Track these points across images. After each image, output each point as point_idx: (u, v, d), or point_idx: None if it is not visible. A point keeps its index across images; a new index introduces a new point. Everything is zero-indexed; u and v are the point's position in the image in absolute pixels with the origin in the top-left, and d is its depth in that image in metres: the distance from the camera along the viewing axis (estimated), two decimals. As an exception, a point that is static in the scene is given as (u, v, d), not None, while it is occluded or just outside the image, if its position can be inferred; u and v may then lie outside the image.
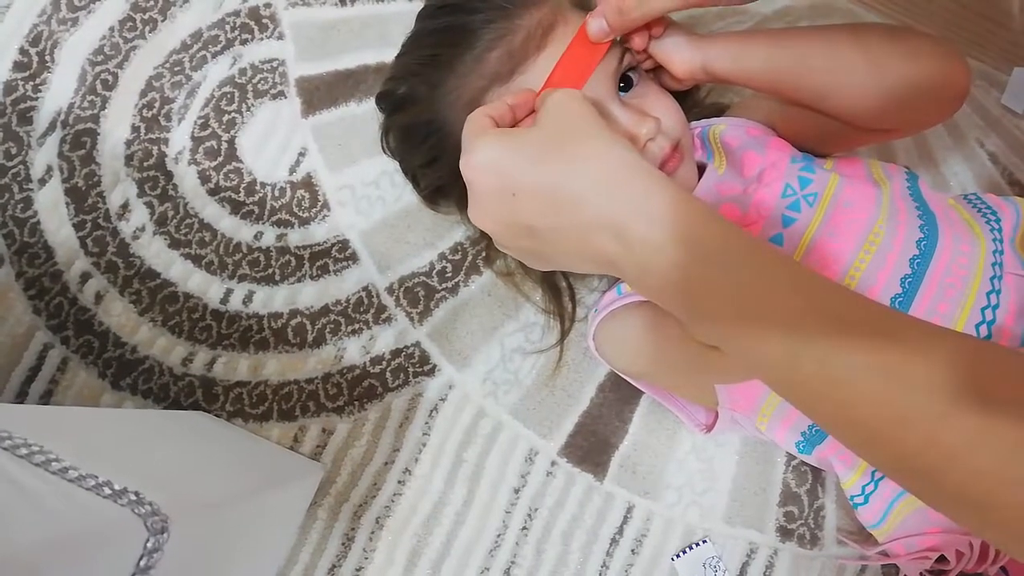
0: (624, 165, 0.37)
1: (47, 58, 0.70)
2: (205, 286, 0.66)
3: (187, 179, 0.68)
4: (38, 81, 0.69)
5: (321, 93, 0.69)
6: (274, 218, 0.67)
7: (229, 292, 0.66)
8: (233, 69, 0.70)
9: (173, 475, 0.44)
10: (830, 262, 0.48)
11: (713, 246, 0.34)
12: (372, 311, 0.65)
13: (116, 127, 0.69)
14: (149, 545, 0.33)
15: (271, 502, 0.54)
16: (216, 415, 0.64)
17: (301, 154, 0.68)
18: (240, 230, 0.67)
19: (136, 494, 0.35)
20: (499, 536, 0.61)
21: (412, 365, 0.64)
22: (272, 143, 0.68)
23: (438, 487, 0.62)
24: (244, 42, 0.70)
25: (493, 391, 0.63)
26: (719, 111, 0.61)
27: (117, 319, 0.65)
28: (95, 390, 0.64)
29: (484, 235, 0.55)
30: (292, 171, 0.68)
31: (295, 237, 0.67)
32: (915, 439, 0.29)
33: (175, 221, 0.67)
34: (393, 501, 0.62)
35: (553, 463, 0.62)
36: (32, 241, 0.67)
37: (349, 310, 0.65)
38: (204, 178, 0.68)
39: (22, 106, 0.69)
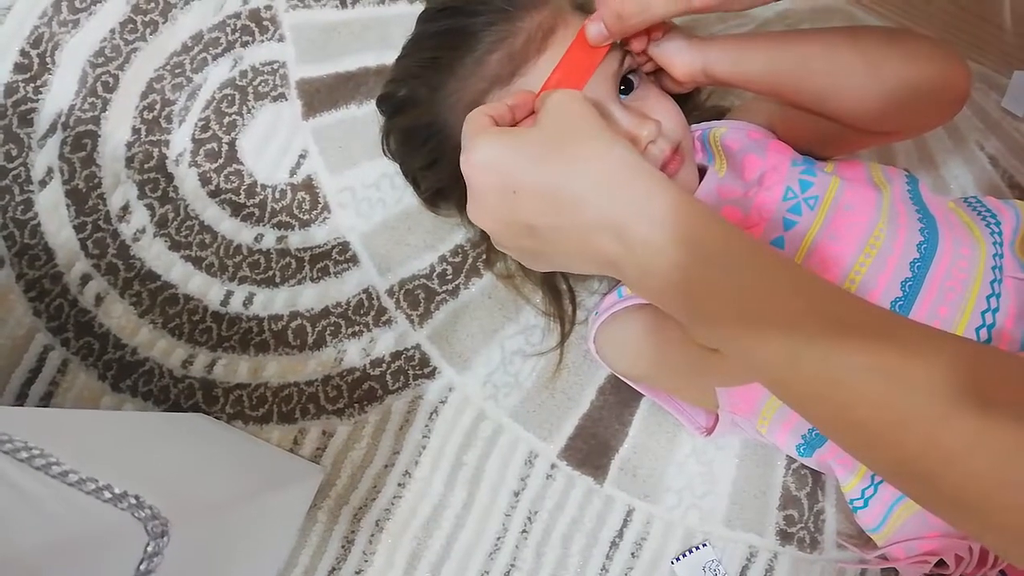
0: (625, 166, 0.37)
1: (48, 60, 0.70)
2: (205, 288, 0.66)
3: (188, 181, 0.68)
4: (39, 83, 0.69)
5: (322, 95, 0.69)
6: (275, 220, 0.67)
7: (229, 294, 0.66)
8: (234, 71, 0.70)
9: (173, 478, 0.44)
10: (831, 265, 0.48)
11: (714, 247, 0.35)
12: (372, 313, 0.65)
13: (117, 129, 0.69)
14: (149, 549, 0.33)
15: (271, 505, 0.54)
16: (216, 417, 0.64)
17: (302, 156, 0.68)
18: (240, 232, 0.67)
19: (136, 498, 0.35)
20: (499, 539, 0.61)
21: (412, 367, 0.64)
22: (273, 145, 0.68)
23: (438, 490, 0.62)
24: (245, 44, 0.70)
25: (493, 394, 0.63)
26: (720, 114, 0.61)
27: (117, 321, 0.65)
28: (95, 392, 0.64)
29: (484, 238, 0.55)
30: (293, 173, 0.68)
31: (295, 239, 0.67)
32: (914, 442, 0.29)
33: (176, 223, 0.67)
34: (393, 504, 0.62)
35: (553, 466, 0.62)
36: (33, 243, 0.67)
37: (349, 312, 0.65)
38: (205, 180, 0.68)
39: (23, 108, 0.69)
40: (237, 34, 0.70)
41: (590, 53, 0.48)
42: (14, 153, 0.68)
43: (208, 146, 0.68)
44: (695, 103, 0.62)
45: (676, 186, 0.36)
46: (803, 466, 0.60)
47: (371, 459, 0.63)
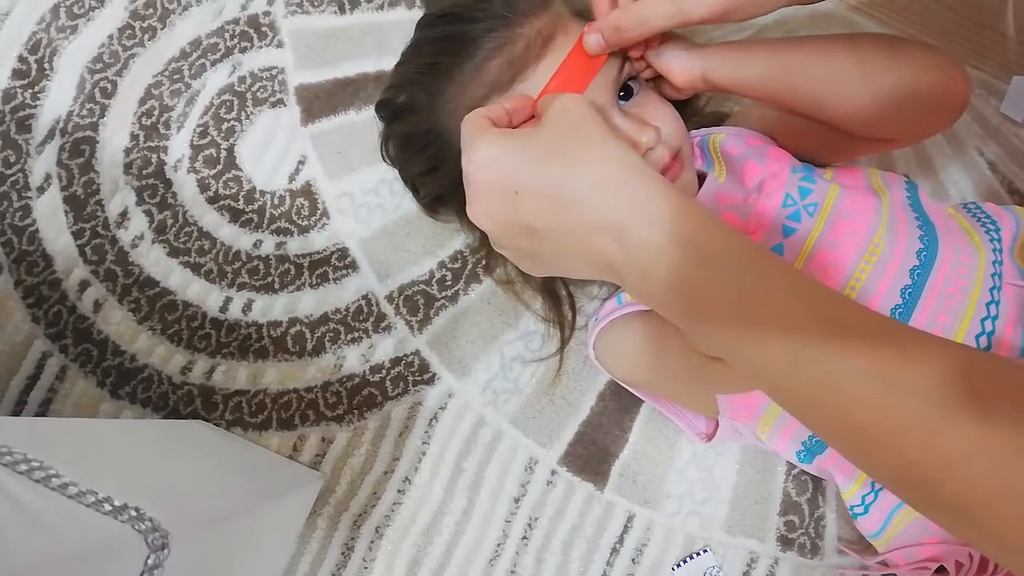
0: (626, 168, 0.37)
1: (46, 66, 0.70)
2: (204, 294, 0.66)
3: (186, 187, 0.68)
4: (37, 89, 0.69)
5: (320, 101, 0.69)
6: (273, 226, 0.67)
7: (228, 300, 0.66)
8: (232, 77, 0.70)
9: (173, 488, 0.44)
10: (830, 272, 0.48)
11: (714, 250, 0.35)
12: (372, 319, 0.65)
13: (115, 135, 0.69)
14: (150, 562, 0.33)
15: (270, 512, 0.53)
16: (215, 424, 0.64)
17: (300, 162, 0.68)
18: (239, 238, 0.67)
19: (136, 510, 0.35)
20: (499, 546, 0.61)
21: (412, 374, 0.64)
22: (271, 151, 0.68)
23: (438, 496, 0.62)
24: (243, 50, 0.70)
25: (493, 400, 0.63)
26: (719, 120, 0.61)
27: (116, 327, 0.65)
28: (94, 399, 0.64)
29: (484, 243, 0.54)
30: (291, 179, 0.68)
31: (294, 245, 0.67)
32: (912, 447, 0.29)
33: (174, 229, 0.67)
34: (393, 510, 0.62)
35: (553, 472, 0.62)
36: (31, 249, 0.67)
37: (348, 318, 0.65)
38: (203, 186, 0.68)
39: (21, 114, 0.69)
40: (236, 40, 0.70)
41: (589, 60, 0.48)
42: (12, 159, 0.68)
43: (207, 152, 0.68)
44: (694, 109, 0.62)
45: (676, 189, 0.36)
46: (803, 472, 0.60)
47: (371, 465, 0.63)
